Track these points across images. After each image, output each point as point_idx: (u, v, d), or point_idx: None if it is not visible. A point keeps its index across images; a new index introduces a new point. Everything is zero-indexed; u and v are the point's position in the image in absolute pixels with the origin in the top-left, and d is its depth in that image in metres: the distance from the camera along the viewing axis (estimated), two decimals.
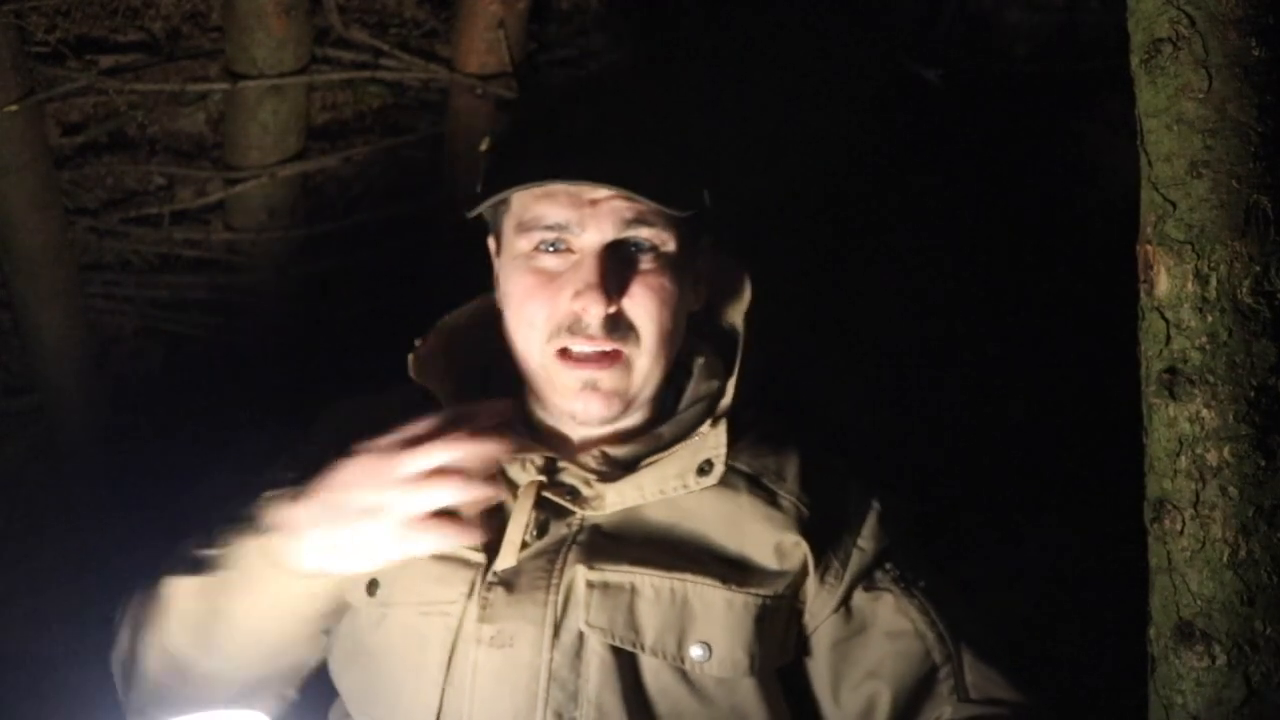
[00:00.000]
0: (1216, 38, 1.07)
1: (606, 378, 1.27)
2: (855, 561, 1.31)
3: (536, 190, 1.26)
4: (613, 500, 1.30)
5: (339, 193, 2.07)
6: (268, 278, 2.04)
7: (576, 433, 1.34)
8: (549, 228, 1.26)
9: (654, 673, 1.25)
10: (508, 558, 1.26)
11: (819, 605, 1.30)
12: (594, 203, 1.25)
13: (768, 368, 1.37)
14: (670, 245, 1.29)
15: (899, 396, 2.02)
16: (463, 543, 1.16)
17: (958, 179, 2.07)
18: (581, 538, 1.28)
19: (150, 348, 2.12)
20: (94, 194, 1.98)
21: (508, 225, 1.31)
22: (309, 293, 2.09)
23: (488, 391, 1.38)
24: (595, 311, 1.25)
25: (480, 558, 1.27)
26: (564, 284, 1.26)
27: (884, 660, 1.29)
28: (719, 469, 1.29)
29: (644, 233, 1.27)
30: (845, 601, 1.31)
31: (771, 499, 1.32)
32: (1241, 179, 1.07)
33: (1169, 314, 1.09)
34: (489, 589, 1.26)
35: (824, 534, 1.31)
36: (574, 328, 1.26)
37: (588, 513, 1.29)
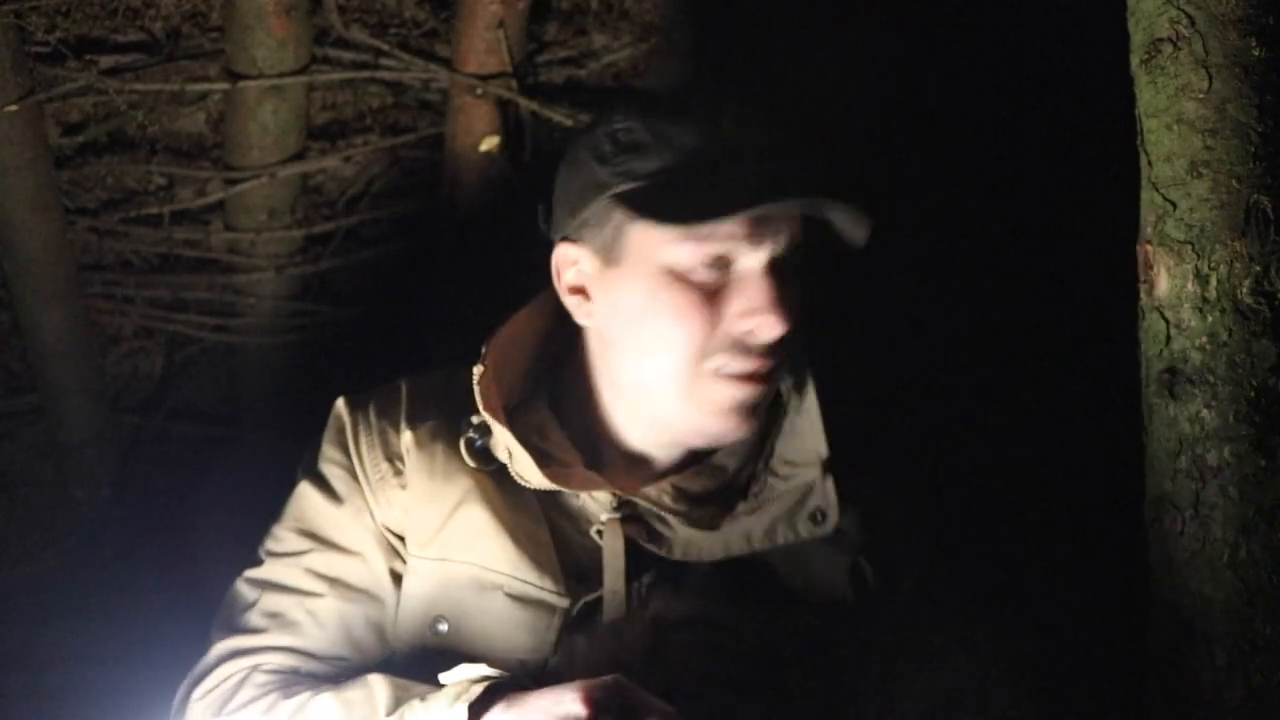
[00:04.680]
0: (1216, 38, 1.08)
1: (761, 396, 1.24)
2: (907, 580, 1.32)
3: None
4: (715, 548, 1.25)
5: (339, 193, 2.07)
6: (268, 278, 2.04)
7: (646, 466, 1.31)
8: (727, 240, 1.18)
9: (739, 712, 1.23)
10: (616, 607, 1.22)
11: (870, 621, 1.30)
12: (766, 219, 1.19)
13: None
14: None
15: (895, 396, 2.02)
16: None
17: (956, 178, 2.07)
18: (649, 580, 1.25)
19: (150, 348, 2.12)
20: (94, 194, 1.97)
21: (648, 236, 1.21)
22: (309, 293, 2.09)
23: (532, 408, 1.32)
24: (773, 334, 1.19)
25: (563, 602, 1.23)
26: (726, 301, 1.20)
27: (915, 681, 1.28)
28: (833, 518, 1.27)
29: (798, 252, 1.22)
30: (890, 616, 1.31)
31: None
32: (1241, 179, 1.07)
33: (1169, 314, 1.09)
34: (571, 638, 1.22)
35: (877, 553, 1.31)
36: (737, 347, 1.21)
37: (677, 556, 1.25)
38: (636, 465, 1.31)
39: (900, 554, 1.33)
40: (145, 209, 1.98)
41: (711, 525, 1.26)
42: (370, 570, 1.28)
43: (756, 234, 1.20)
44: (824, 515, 1.27)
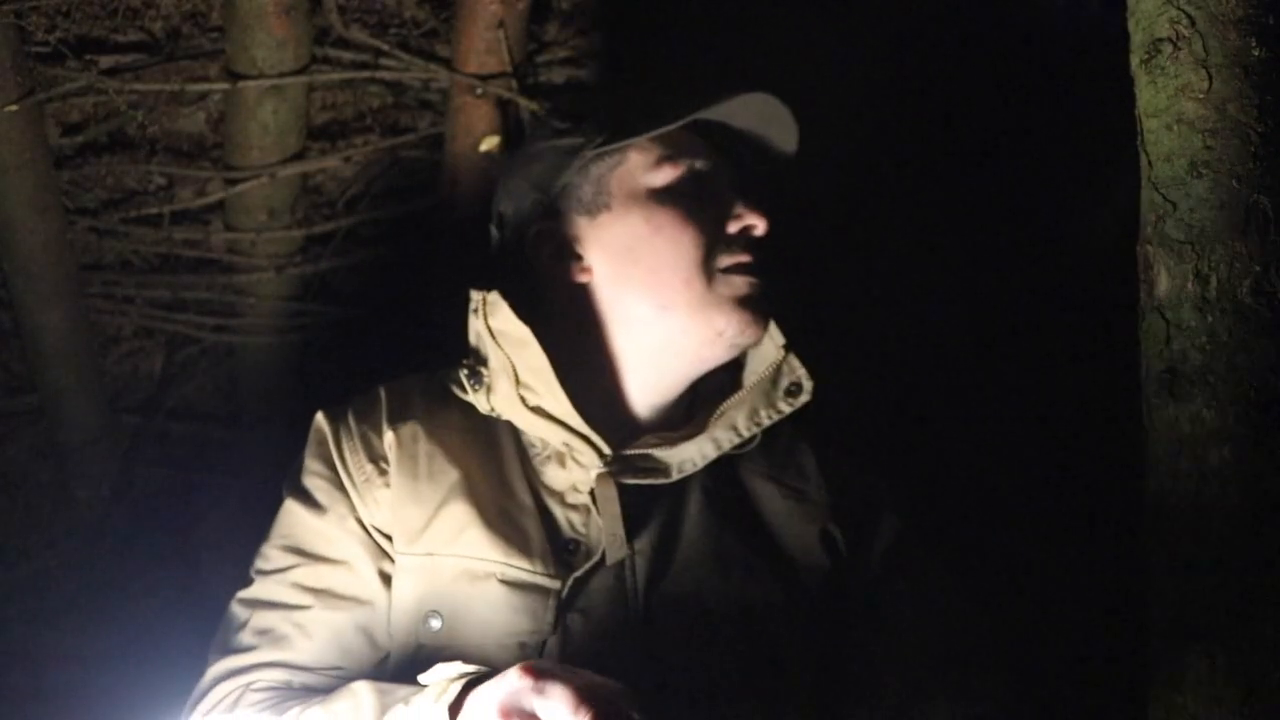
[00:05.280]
0: (1216, 38, 1.08)
1: (765, 292, 1.34)
2: (878, 548, 1.35)
3: (675, 130, 1.35)
4: (707, 450, 1.31)
5: (339, 193, 2.07)
6: (268, 278, 2.04)
7: (631, 429, 1.35)
8: (696, 156, 1.35)
9: (729, 686, 1.24)
10: (619, 549, 1.25)
11: (851, 591, 1.33)
12: (717, 150, 1.39)
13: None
14: None
15: (896, 396, 2.02)
16: None
17: (957, 178, 2.07)
18: (640, 556, 1.27)
19: (150, 348, 2.12)
20: (94, 194, 1.97)
21: (628, 173, 1.35)
22: (309, 293, 2.09)
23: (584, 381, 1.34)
24: (762, 226, 1.34)
25: (556, 583, 1.24)
26: (712, 211, 1.34)
27: (892, 650, 1.31)
28: (808, 386, 1.35)
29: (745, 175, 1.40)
30: (870, 589, 1.33)
31: (802, 496, 1.36)
32: (1241, 179, 1.07)
33: (1169, 314, 1.09)
34: (566, 616, 1.23)
35: (852, 524, 1.35)
36: (735, 244, 1.34)
37: (674, 477, 1.30)
38: (621, 428, 1.34)
39: (870, 521, 1.36)
40: (145, 209, 1.98)
41: (697, 431, 1.32)
42: (358, 577, 1.28)
43: (711, 156, 1.37)
44: (799, 386, 1.36)
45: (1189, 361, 1.08)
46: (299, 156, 1.96)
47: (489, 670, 1.13)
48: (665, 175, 1.35)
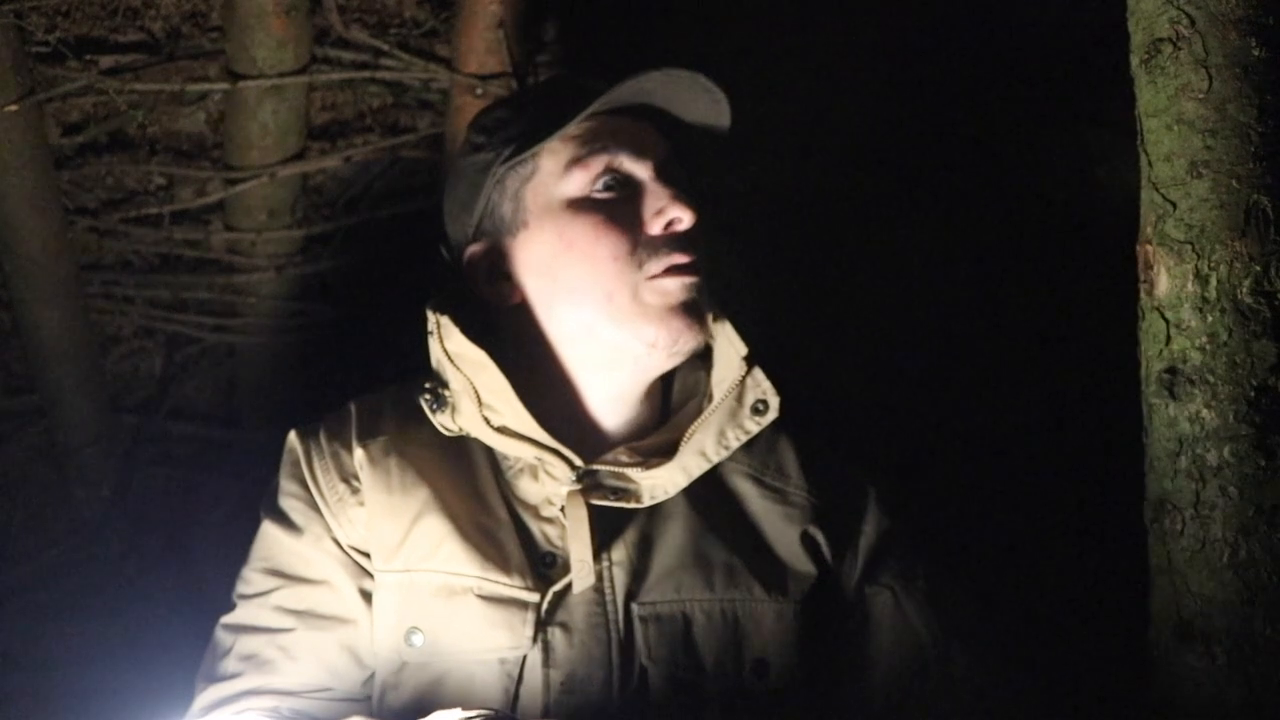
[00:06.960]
0: (1216, 38, 1.08)
1: (699, 292, 1.27)
2: (863, 547, 1.33)
3: (585, 126, 1.28)
4: (676, 478, 1.27)
5: (339, 193, 2.07)
6: (268, 278, 2.04)
7: (599, 439, 1.32)
8: (608, 154, 1.27)
9: (715, 693, 1.24)
10: (586, 576, 1.23)
11: (835, 592, 1.31)
12: (641, 133, 1.30)
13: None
14: None
15: (896, 395, 2.02)
16: None
17: (957, 178, 2.07)
18: (618, 566, 1.25)
19: (150, 348, 2.12)
20: (94, 194, 1.97)
21: (542, 185, 1.29)
22: (309, 293, 2.09)
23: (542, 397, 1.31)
24: (688, 219, 1.26)
25: (534, 597, 1.23)
26: (636, 213, 1.27)
27: (879, 652, 1.31)
28: (774, 402, 1.30)
29: (680, 165, 1.32)
30: (855, 590, 1.32)
31: (782, 497, 1.33)
32: (1241, 179, 1.07)
33: (1169, 314, 1.09)
34: (545, 630, 1.22)
35: (835, 523, 1.33)
36: (662, 245, 1.26)
37: (645, 503, 1.27)
38: (590, 440, 1.32)
39: (853, 523, 1.34)
40: (145, 209, 1.98)
41: (668, 454, 1.28)
42: (338, 596, 1.27)
43: (632, 143, 1.29)
44: (765, 404, 1.30)
45: (1189, 361, 1.08)
46: (299, 156, 1.96)
47: (493, 713, 1.12)
48: (576, 181, 1.28)
